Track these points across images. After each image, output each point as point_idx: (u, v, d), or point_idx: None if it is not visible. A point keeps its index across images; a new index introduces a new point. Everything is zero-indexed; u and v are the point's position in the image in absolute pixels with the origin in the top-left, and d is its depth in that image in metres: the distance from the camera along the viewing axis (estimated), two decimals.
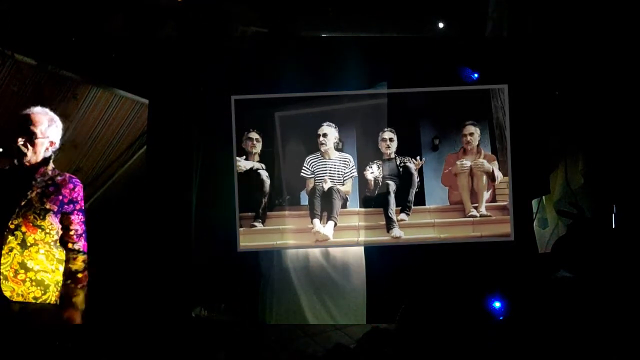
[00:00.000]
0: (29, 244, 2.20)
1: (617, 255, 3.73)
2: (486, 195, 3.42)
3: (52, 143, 2.34)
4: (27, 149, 2.25)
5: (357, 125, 3.56)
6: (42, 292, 2.23)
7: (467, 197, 3.40)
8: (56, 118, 2.38)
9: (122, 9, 4.18)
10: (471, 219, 3.53)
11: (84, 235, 2.34)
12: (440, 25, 4.65)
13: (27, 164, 2.27)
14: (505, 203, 3.49)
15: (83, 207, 2.36)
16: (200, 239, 4.18)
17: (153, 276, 3.88)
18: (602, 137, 4.03)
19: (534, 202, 4.41)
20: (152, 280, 3.87)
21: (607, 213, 4.05)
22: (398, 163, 3.67)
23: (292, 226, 3.46)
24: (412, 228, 3.48)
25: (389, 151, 3.72)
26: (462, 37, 4.51)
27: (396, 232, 3.46)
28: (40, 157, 2.31)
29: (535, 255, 4.17)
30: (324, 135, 3.46)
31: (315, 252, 4.61)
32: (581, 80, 4.09)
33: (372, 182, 3.49)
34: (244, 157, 3.56)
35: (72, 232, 2.31)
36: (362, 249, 4.28)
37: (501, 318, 3.96)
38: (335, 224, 3.49)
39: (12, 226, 2.17)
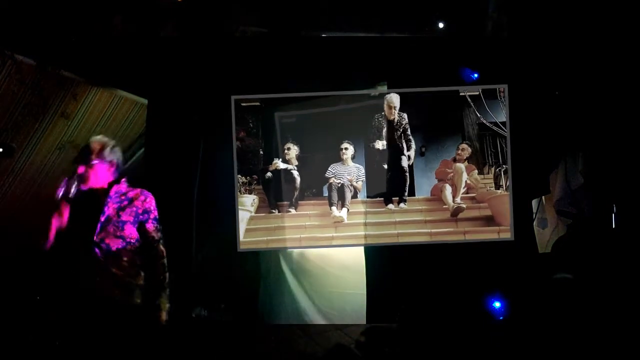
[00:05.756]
0: (113, 254, 2.41)
1: (616, 255, 3.73)
2: (462, 189, 4.25)
3: (112, 163, 2.52)
4: (87, 174, 2.46)
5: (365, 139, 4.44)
6: (128, 294, 2.44)
7: (448, 192, 4.26)
8: (111, 142, 2.57)
9: (122, 9, 4.17)
10: (447, 204, 4.28)
11: (161, 241, 2.55)
12: (440, 25, 4.65)
13: (98, 185, 2.49)
14: (474, 195, 4.28)
15: (157, 216, 2.56)
16: (201, 239, 4.18)
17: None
18: (602, 137, 4.03)
19: (534, 202, 4.41)
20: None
21: (607, 213, 4.05)
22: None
23: (316, 212, 4.31)
24: (407, 213, 4.27)
25: None
26: (462, 37, 4.51)
27: (391, 205, 4.29)
28: (107, 178, 2.51)
29: (535, 255, 4.17)
30: (345, 149, 4.35)
31: (315, 253, 4.63)
32: (581, 80, 4.08)
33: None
34: (281, 159, 4.35)
35: (149, 239, 2.52)
36: (362, 249, 4.30)
37: (501, 318, 3.96)
38: (348, 210, 4.28)
39: (97, 240, 2.39)
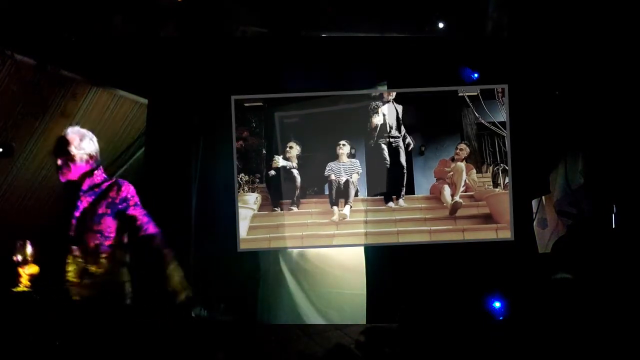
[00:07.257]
0: (91, 250, 2.32)
1: (616, 256, 3.73)
2: (462, 188, 4.33)
3: (91, 156, 2.45)
4: (67, 166, 2.40)
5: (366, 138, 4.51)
6: (112, 293, 2.39)
7: (447, 192, 4.36)
8: (88, 133, 2.50)
9: (122, 9, 4.17)
10: (446, 203, 4.37)
11: (150, 223, 2.45)
12: (440, 25, 4.65)
13: (73, 178, 2.41)
14: (471, 193, 4.35)
15: (138, 203, 2.46)
16: (200, 239, 4.18)
17: (153, 276, 3.87)
18: (602, 137, 4.03)
19: (534, 202, 4.41)
20: (152, 280, 3.86)
21: (607, 213, 4.05)
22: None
23: (318, 209, 4.41)
24: (407, 211, 4.35)
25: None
26: (462, 37, 4.52)
27: (391, 204, 4.36)
28: (82, 171, 2.42)
29: (535, 255, 4.17)
30: (343, 145, 4.45)
31: (315, 253, 4.63)
32: (581, 80, 4.08)
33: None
34: (282, 156, 4.43)
35: (137, 226, 2.41)
36: (362, 249, 4.30)
37: (501, 318, 3.96)
38: (351, 207, 4.36)
39: (74, 235, 2.32)
